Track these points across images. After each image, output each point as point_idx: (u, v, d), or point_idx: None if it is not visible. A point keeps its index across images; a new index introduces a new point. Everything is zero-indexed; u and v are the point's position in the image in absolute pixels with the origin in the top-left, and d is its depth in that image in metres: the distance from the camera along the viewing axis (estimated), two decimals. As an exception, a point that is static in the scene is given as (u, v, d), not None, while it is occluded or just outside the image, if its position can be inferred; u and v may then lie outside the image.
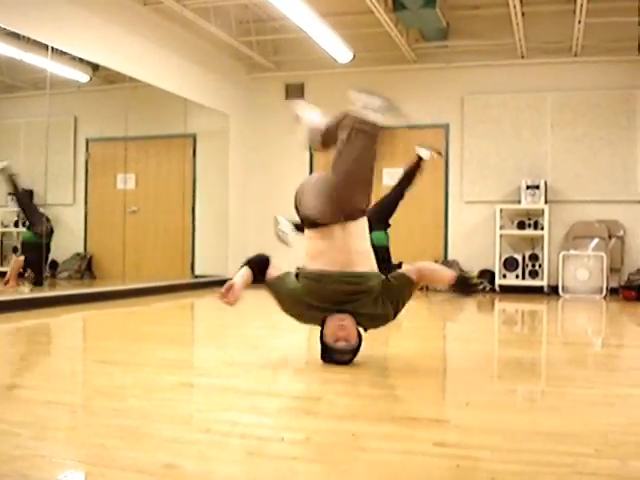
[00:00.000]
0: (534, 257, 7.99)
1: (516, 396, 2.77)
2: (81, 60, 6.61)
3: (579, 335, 5.14)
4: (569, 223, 8.02)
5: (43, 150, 6.69)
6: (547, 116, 8.16)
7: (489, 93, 8.34)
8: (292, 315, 3.22)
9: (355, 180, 3.12)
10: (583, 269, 7.73)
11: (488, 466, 1.75)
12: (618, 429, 2.10)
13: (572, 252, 7.80)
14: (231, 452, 1.89)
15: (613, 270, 7.78)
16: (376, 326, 3.18)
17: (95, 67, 7.05)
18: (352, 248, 3.09)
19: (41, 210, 7.13)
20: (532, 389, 2.92)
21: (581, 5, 6.53)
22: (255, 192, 9.08)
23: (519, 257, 7.99)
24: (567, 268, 7.80)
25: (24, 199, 7.20)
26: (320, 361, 3.09)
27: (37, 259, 6.69)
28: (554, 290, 7.84)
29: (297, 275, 3.18)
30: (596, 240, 7.82)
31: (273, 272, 3.23)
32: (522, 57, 8.15)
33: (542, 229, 7.94)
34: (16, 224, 7.39)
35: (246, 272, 3.27)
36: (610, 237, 7.85)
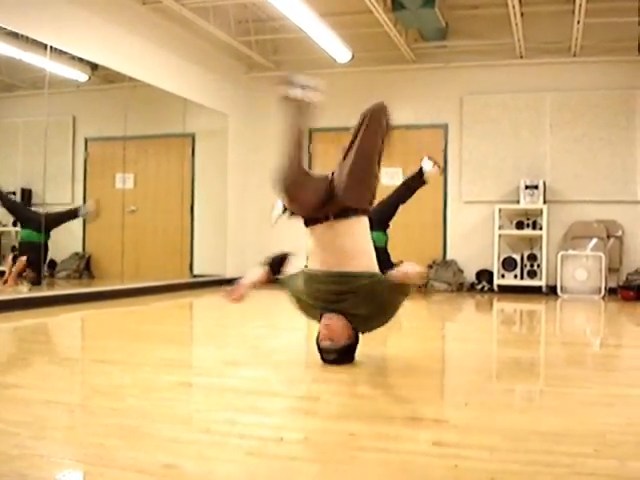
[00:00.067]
0: (533, 257, 8.00)
1: (515, 396, 2.77)
2: (80, 59, 6.60)
3: (577, 335, 5.14)
4: (568, 223, 8.02)
5: (42, 149, 6.69)
6: (546, 116, 8.17)
7: (488, 93, 8.35)
8: (301, 312, 3.25)
9: (355, 175, 3.09)
10: (582, 269, 7.74)
11: (487, 466, 1.75)
12: (617, 429, 2.10)
13: (571, 252, 7.81)
14: (230, 452, 1.89)
15: (612, 270, 7.78)
16: (369, 327, 3.14)
17: (94, 66, 7.04)
18: (341, 247, 3.07)
19: (33, 209, 7.13)
20: (531, 389, 2.92)
21: (580, 5, 6.53)
22: (254, 192, 9.07)
23: (518, 257, 8.00)
24: (566, 268, 7.80)
25: (8, 202, 7.19)
26: (319, 361, 3.09)
27: (36, 259, 6.69)
28: (552, 290, 7.85)
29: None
30: (595, 240, 7.83)
31: (288, 270, 3.26)
32: (521, 57, 8.15)
33: (541, 229, 7.95)
34: (14, 223, 7.38)
35: (261, 271, 3.29)
36: (609, 237, 7.86)
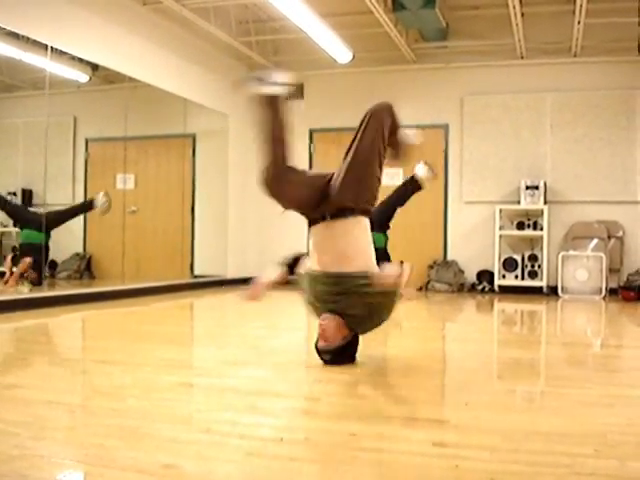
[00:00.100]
0: (533, 257, 8.00)
1: (515, 396, 2.77)
2: (80, 60, 6.61)
3: (578, 335, 5.14)
4: (568, 224, 8.02)
5: (42, 150, 6.69)
6: (547, 116, 8.17)
7: (489, 93, 8.35)
8: (311, 312, 3.29)
9: (351, 175, 3.10)
10: (582, 269, 7.74)
11: (487, 466, 1.75)
12: (617, 429, 2.10)
13: (571, 252, 7.81)
14: (230, 452, 1.89)
15: (612, 271, 7.78)
16: (365, 328, 3.12)
17: (94, 67, 7.05)
18: (338, 248, 3.06)
19: (32, 209, 7.13)
20: (531, 389, 2.92)
21: (581, 5, 6.53)
22: (254, 192, 9.01)
23: (518, 257, 8.00)
24: (566, 268, 7.80)
25: (7, 206, 7.20)
26: (319, 361, 3.09)
27: (37, 259, 6.70)
28: (553, 290, 7.85)
29: None
30: (595, 241, 7.83)
31: (300, 270, 3.28)
32: (522, 58, 8.15)
33: (541, 229, 7.95)
34: (15, 224, 7.38)
35: (277, 270, 3.31)
36: (609, 238, 7.86)
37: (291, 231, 8.61)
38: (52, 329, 4.94)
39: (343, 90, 8.68)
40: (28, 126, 7.38)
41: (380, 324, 3.13)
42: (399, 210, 6.42)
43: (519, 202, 8.00)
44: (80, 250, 8.10)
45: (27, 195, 7.45)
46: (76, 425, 2.17)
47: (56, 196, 7.41)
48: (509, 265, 8.00)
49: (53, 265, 7.65)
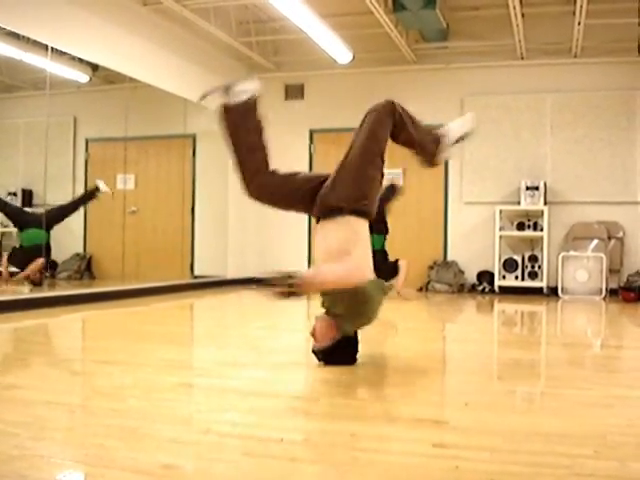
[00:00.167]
0: (533, 258, 8.00)
1: (515, 397, 2.77)
2: (81, 60, 6.62)
3: (578, 336, 5.14)
4: (568, 224, 8.02)
5: (43, 150, 6.70)
6: (547, 117, 8.17)
7: (489, 94, 8.35)
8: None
9: (341, 174, 3.11)
10: (582, 270, 7.73)
11: (487, 467, 1.75)
12: (617, 430, 2.10)
13: (571, 253, 7.81)
14: (230, 453, 1.89)
15: (612, 271, 7.78)
16: (349, 328, 3.06)
17: (95, 67, 7.06)
18: (326, 247, 3.06)
19: (31, 210, 7.14)
20: (531, 390, 2.92)
21: (581, 6, 6.54)
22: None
23: (518, 258, 8.00)
24: (566, 269, 7.80)
25: (6, 208, 7.20)
26: (320, 362, 3.09)
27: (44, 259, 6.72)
28: (553, 291, 7.84)
29: None
30: (595, 241, 7.83)
31: None
32: (522, 58, 8.15)
33: (541, 230, 7.95)
34: (14, 225, 7.39)
35: None
36: (609, 238, 7.86)
37: (291, 231, 8.63)
38: (52, 329, 4.94)
39: (343, 90, 8.68)
40: (28, 126, 7.39)
41: (364, 324, 3.09)
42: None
43: (519, 203, 8.00)
44: (80, 250, 8.11)
45: (27, 195, 7.46)
46: (76, 425, 2.17)
47: (56, 196, 7.42)
48: (509, 266, 8.00)
49: (53, 265, 7.66)
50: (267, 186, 3.19)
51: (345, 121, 7.44)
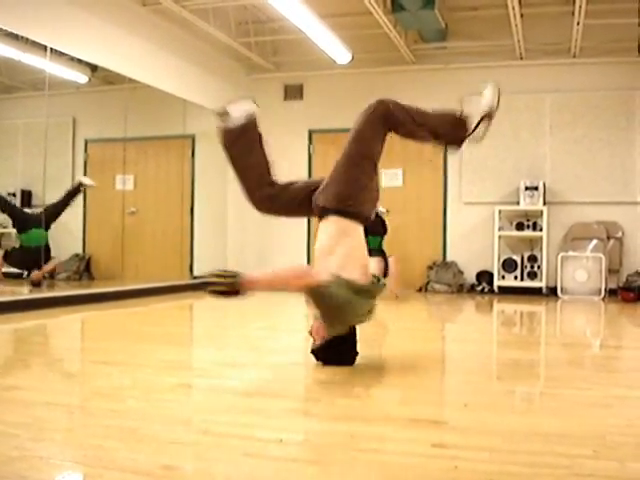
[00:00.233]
0: (533, 258, 8.00)
1: (514, 397, 2.77)
2: (80, 61, 6.61)
3: (578, 336, 5.14)
4: (568, 224, 8.02)
5: (42, 151, 6.70)
6: (546, 117, 8.17)
7: (488, 94, 8.33)
8: None
9: (332, 177, 3.14)
10: (582, 270, 7.74)
11: (486, 467, 1.76)
12: (616, 430, 2.10)
13: (571, 253, 7.81)
14: (229, 453, 1.89)
15: (612, 271, 7.78)
16: (329, 328, 3.02)
17: (94, 68, 7.06)
18: (317, 247, 3.11)
19: (30, 211, 7.14)
20: (530, 390, 2.92)
21: (580, 6, 6.54)
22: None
23: (518, 258, 8.00)
24: (566, 269, 7.80)
25: (7, 207, 7.20)
26: (319, 362, 3.10)
27: (38, 260, 6.72)
28: (553, 291, 7.85)
29: None
30: (595, 241, 7.83)
31: None
32: (521, 58, 8.15)
33: (541, 230, 7.95)
34: (14, 225, 7.38)
35: None
36: (609, 238, 7.86)
37: (291, 232, 8.62)
38: (51, 330, 4.94)
39: (342, 91, 8.68)
40: (27, 127, 7.39)
41: (341, 326, 3.02)
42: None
43: (518, 203, 8.00)
44: (79, 251, 8.10)
45: (26, 196, 7.45)
46: (75, 426, 2.17)
47: (55, 197, 7.41)
48: (508, 266, 8.00)
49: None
50: (269, 198, 3.26)
51: (344, 121, 7.39)
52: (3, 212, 7.27)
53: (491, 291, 8.08)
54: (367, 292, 3.05)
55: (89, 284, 7.90)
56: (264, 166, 3.28)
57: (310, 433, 2.13)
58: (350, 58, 7.99)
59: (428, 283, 8.29)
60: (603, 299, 7.50)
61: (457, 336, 5.01)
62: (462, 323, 6.02)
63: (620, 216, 7.90)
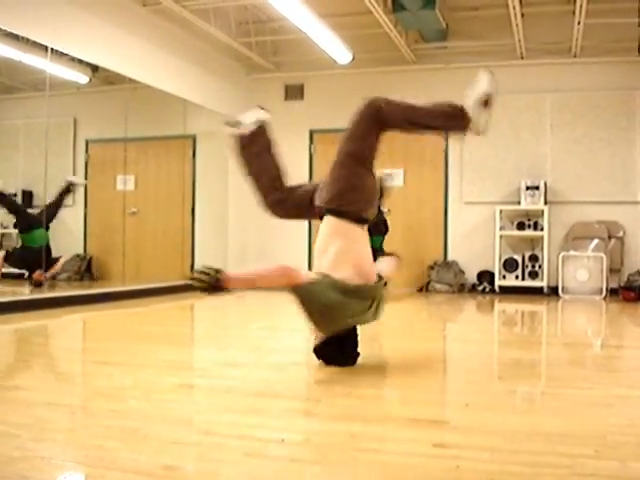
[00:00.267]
0: (534, 258, 8.00)
1: (516, 397, 2.77)
2: (80, 61, 6.61)
3: (579, 336, 5.14)
4: (569, 224, 8.02)
5: (42, 151, 6.69)
6: (546, 117, 8.17)
7: (488, 94, 8.33)
8: None
9: (327, 177, 3.17)
10: (583, 270, 7.73)
11: (488, 467, 1.75)
12: (617, 430, 2.10)
13: (572, 253, 7.81)
14: (231, 453, 1.89)
15: (613, 271, 7.78)
16: (322, 331, 3.03)
17: (94, 68, 7.05)
18: (315, 247, 3.15)
19: (30, 211, 7.14)
20: (532, 390, 2.92)
21: (580, 6, 6.54)
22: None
23: (519, 258, 8.00)
24: (567, 269, 7.80)
25: (12, 205, 7.19)
26: (320, 362, 3.10)
27: (40, 261, 6.72)
28: (554, 291, 7.84)
29: None
30: (596, 241, 7.83)
31: None
32: (522, 58, 8.15)
33: (542, 230, 7.95)
34: (15, 225, 7.38)
35: None
36: (610, 238, 7.85)
37: (292, 232, 8.61)
38: (53, 330, 4.94)
39: (343, 91, 8.67)
40: (28, 127, 7.39)
41: (321, 326, 2.98)
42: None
43: (519, 202, 8.00)
44: (81, 251, 8.10)
45: (27, 196, 7.45)
46: (76, 427, 2.17)
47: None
48: (509, 265, 8.00)
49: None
50: (279, 202, 3.31)
51: (345, 121, 7.40)
52: (10, 212, 7.27)
53: (492, 291, 8.08)
54: (357, 292, 2.99)
55: (90, 284, 7.90)
56: (275, 172, 3.32)
57: (311, 433, 2.13)
58: (351, 58, 7.99)
59: (429, 283, 8.29)
60: (604, 299, 7.50)
61: (458, 336, 5.01)
62: (463, 323, 6.02)
63: (621, 215, 7.90)
